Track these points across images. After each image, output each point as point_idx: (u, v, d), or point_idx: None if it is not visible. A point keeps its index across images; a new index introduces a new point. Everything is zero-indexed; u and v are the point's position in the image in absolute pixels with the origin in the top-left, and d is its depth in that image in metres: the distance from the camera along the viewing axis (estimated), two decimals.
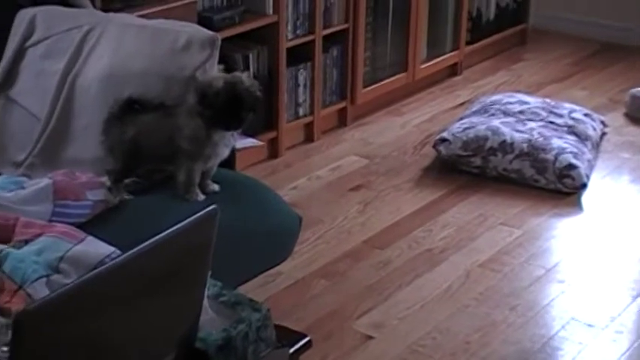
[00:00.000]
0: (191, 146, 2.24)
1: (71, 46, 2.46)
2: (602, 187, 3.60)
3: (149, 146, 2.26)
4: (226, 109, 2.20)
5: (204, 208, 1.48)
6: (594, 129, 3.85)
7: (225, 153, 2.30)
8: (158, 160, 2.29)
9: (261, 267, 2.38)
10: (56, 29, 2.51)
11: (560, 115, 3.83)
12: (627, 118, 4.18)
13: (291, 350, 1.77)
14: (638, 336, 2.71)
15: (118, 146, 2.27)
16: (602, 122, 4.00)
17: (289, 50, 3.68)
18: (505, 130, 3.64)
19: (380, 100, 4.22)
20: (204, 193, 2.28)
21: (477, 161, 3.60)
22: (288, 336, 1.80)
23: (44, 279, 1.78)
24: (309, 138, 3.93)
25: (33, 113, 2.46)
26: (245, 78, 2.25)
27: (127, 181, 2.29)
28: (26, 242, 1.91)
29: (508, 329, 2.72)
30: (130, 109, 2.27)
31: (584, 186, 3.51)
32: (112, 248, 1.92)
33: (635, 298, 2.88)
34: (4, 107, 2.51)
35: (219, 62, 2.49)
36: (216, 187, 2.31)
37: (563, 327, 2.74)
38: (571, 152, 3.54)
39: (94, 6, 2.77)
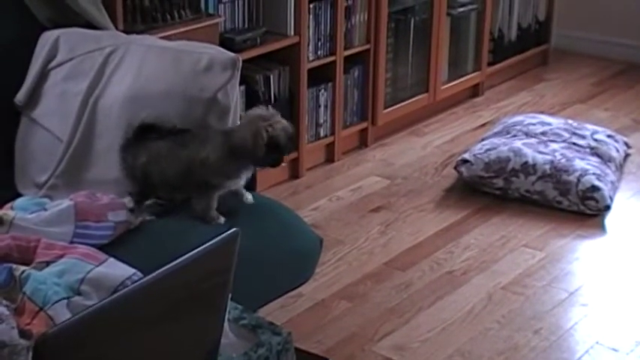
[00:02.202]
0: (219, 180, 2.25)
1: (93, 68, 2.47)
2: (626, 208, 3.56)
3: (162, 174, 2.26)
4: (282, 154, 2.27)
5: (226, 230, 1.47)
6: (617, 150, 3.83)
7: (244, 179, 2.33)
8: (171, 188, 2.29)
9: (282, 289, 2.37)
10: (79, 51, 2.52)
11: (583, 137, 3.80)
12: None
13: None
14: None
15: (132, 172, 2.28)
16: (626, 143, 3.97)
17: (310, 71, 3.69)
18: (527, 151, 3.62)
19: (401, 121, 4.22)
20: (240, 204, 2.30)
21: (499, 183, 3.58)
22: None
23: (65, 301, 1.78)
24: (330, 159, 3.93)
25: (55, 134, 2.47)
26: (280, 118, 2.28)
27: (148, 202, 2.29)
28: (47, 264, 1.92)
29: (531, 353, 2.69)
30: (143, 134, 2.27)
31: (607, 208, 3.48)
32: (133, 270, 1.92)
33: None
34: (27, 128, 2.52)
35: (241, 83, 2.50)
36: (249, 196, 2.33)
37: (587, 351, 2.70)
38: (594, 174, 3.52)
39: (117, 28, 2.79)
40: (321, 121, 3.83)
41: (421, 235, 3.34)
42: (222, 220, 2.26)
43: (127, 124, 2.29)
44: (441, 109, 4.42)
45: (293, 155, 3.71)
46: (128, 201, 2.27)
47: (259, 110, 2.29)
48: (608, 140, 3.84)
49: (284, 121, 2.27)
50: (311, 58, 3.71)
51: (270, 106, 2.31)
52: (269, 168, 2.37)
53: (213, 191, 2.26)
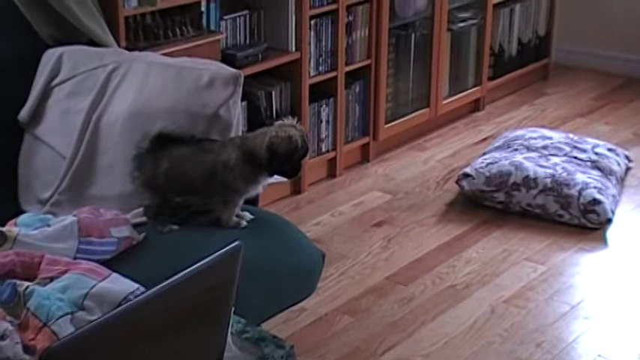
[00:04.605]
0: (241, 185, 2.27)
1: (96, 85, 2.49)
2: (627, 222, 3.57)
3: (186, 178, 2.26)
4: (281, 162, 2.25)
5: (229, 244, 1.48)
6: (618, 164, 3.83)
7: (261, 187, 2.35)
8: (194, 192, 2.30)
9: (285, 303, 2.38)
10: (82, 68, 2.54)
11: (584, 150, 3.81)
12: None
13: None
14: None
15: (151, 180, 2.28)
16: (627, 157, 3.98)
17: (312, 86, 3.71)
18: (528, 165, 3.63)
19: (402, 136, 4.23)
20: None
21: (501, 196, 3.59)
22: None
23: (69, 316, 1.79)
24: (331, 174, 3.94)
25: (58, 151, 2.48)
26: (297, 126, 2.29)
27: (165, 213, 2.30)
28: (51, 279, 1.92)
29: None
30: (160, 143, 2.28)
31: (609, 221, 3.48)
32: (136, 285, 1.92)
33: None
34: (30, 145, 2.54)
35: (242, 99, 2.51)
36: (247, 214, 2.33)
37: None
38: (595, 187, 3.52)
39: (119, 45, 2.81)
40: (323, 136, 3.85)
41: (423, 250, 3.35)
42: (244, 223, 2.29)
43: (135, 138, 2.30)
44: (442, 124, 4.44)
45: None
46: (132, 216, 2.28)
47: (283, 120, 2.33)
48: (609, 154, 3.85)
49: (294, 132, 2.25)
50: (312, 74, 3.72)
51: (295, 118, 2.32)
52: (282, 178, 2.36)
53: (236, 196, 2.28)
